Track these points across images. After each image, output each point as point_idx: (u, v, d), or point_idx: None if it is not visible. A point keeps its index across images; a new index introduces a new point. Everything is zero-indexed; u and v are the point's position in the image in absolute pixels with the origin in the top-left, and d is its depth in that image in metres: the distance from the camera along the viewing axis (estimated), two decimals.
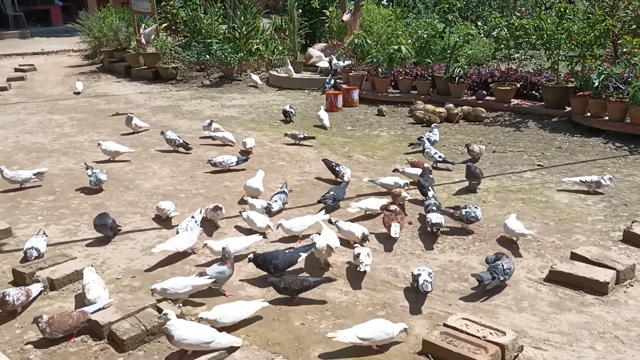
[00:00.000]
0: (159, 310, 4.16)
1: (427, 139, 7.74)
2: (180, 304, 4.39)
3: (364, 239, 5.23)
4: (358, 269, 4.84)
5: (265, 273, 4.80)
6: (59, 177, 7.35)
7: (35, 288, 4.44)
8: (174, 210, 5.94)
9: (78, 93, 12.37)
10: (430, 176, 6.51)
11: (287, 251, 4.90)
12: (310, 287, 4.53)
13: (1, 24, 21.00)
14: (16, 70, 14.88)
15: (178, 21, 14.52)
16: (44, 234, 5.35)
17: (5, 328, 4.23)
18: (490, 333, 3.86)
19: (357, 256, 4.86)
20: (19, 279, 4.73)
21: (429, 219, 5.49)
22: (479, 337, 3.80)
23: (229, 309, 4.14)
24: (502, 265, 4.59)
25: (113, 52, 14.99)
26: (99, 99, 11.86)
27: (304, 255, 4.88)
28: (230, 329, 4.08)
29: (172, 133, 8.38)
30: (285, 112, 9.87)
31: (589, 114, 8.79)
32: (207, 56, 13.30)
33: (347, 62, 11.91)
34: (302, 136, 8.51)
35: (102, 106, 11.24)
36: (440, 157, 7.34)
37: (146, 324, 4.01)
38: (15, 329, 4.22)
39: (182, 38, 14.62)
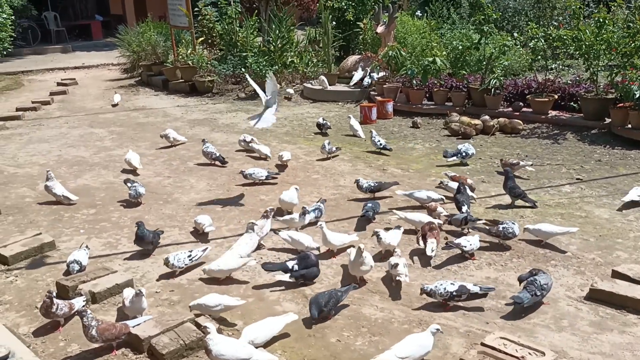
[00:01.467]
0: (198, 325, 4.23)
1: (465, 151, 7.99)
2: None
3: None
4: (398, 278, 4.84)
5: (301, 287, 4.87)
6: (99, 190, 7.54)
7: (78, 302, 4.55)
8: (209, 225, 6.03)
9: (115, 105, 12.69)
10: (471, 194, 6.51)
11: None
12: (342, 298, 4.56)
13: (44, 39, 21.72)
14: (59, 84, 15.32)
15: (214, 35, 14.76)
16: (87, 247, 5.51)
17: (49, 340, 4.36)
18: (529, 353, 3.81)
19: (394, 266, 4.84)
20: (63, 292, 4.86)
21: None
22: (517, 357, 3.76)
23: (260, 329, 4.15)
24: (539, 281, 4.52)
25: (151, 66, 15.31)
26: (137, 113, 12.13)
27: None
28: (264, 344, 4.14)
29: (211, 146, 8.51)
30: (319, 125, 9.93)
31: (629, 125, 8.61)
32: (243, 69, 13.48)
33: (381, 74, 11.91)
34: (334, 149, 8.55)
35: (141, 119, 11.49)
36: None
37: (185, 339, 4.08)
38: (59, 342, 4.34)
39: (218, 51, 14.85)
